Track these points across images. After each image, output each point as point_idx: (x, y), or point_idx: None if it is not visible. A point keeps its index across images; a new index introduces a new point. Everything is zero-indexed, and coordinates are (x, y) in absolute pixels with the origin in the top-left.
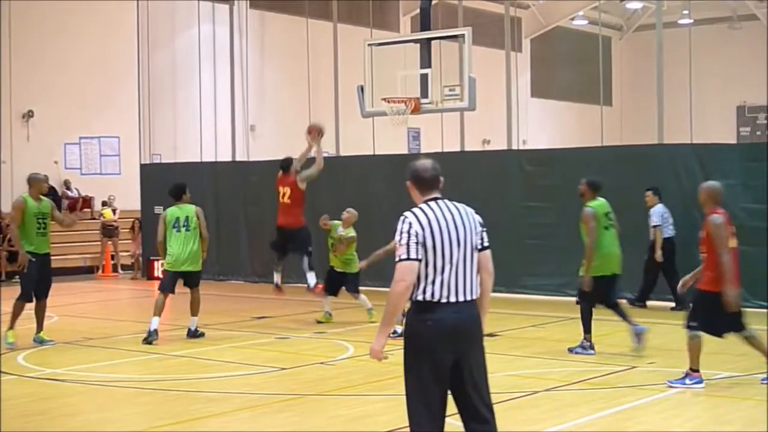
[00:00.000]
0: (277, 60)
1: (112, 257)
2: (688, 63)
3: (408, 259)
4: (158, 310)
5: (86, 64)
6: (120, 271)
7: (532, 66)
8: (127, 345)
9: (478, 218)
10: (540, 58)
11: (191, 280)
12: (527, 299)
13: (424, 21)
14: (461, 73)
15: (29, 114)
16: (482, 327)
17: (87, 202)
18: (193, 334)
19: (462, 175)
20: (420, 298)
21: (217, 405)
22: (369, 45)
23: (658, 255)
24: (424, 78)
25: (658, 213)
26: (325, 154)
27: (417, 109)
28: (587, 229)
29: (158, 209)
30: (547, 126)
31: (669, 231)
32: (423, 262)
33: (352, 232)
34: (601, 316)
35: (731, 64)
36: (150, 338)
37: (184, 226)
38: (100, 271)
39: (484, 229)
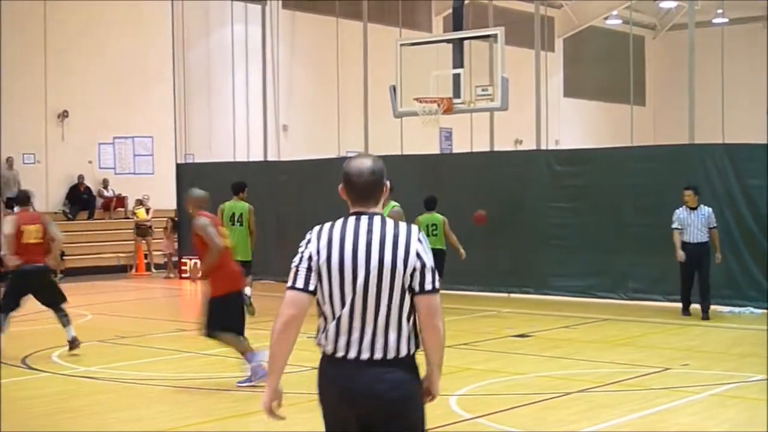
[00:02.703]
0: (307, 59)
1: (145, 256)
2: (721, 62)
3: (293, 287)
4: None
5: (120, 64)
6: (153, 270)
7: (565, 65)
8: (160, 343)
9: (420, 248)
10: (573, 58)
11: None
12: (555, 300)
13: (457, 21)
14: (493, 73)
15: (64, 114)
16: (417, 394)
17: (121, 201)
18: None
19: (491, 175)
20: (316, 343)
21: (249, 403)
22: (401, 45)
23: (680, 255)
24: (456, 78)
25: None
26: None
27: (449, 109)
28: None
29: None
30: (579, 126)
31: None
32: (320, 298)
33: None
34: (632, 317)
35: (765, 63)
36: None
37: (238, 221)
38: (134, 270)
39: (428, 265)
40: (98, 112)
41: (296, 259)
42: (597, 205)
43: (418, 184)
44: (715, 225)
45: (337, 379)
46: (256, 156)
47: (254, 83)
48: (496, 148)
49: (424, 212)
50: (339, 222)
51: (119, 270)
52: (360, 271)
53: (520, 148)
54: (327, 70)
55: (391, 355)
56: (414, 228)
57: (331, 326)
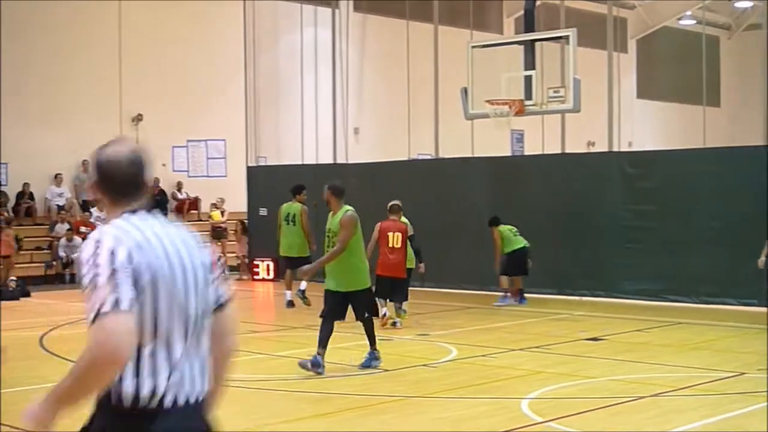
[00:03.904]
0: (378, 62)
1: (219, 258)
2: None
3: (116, 309)
4: (287, 284)
5: (193, 68)
6: (226, 272)
7: (638, 66)
8: None
9: (205, 252)
10: (646, 59)
11: (295, 263)
12: (627, 304)
13: (528, 22)
14: (565, 74)
15: (138, 117)
16: None
17: (194, 203)
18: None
19: (562, 177)
20: (118, 397)
21: (321, 405)
22: (472, 47)
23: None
24: (528, 80)
25: None
26: (425, 157)
27: (521, 111)
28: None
29: (263, 211)
30: (653, 127)
31: None
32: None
33: None
34: (706, 320)
35: None
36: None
37: (291, 221)
38: None
39: (219, 270)
40: (172, 115)
41: (100, 274)
42: (669, 208)
43: (489, 186)
44: None
45: None
46: (325, 158)
47: (325, 86)
48: (567, 150)
49: (495, 215)
50: (136, 222)
51: None
52: (192, 284)
53: (592, 150)
54: (398, 72)
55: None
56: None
57: (162, 359)
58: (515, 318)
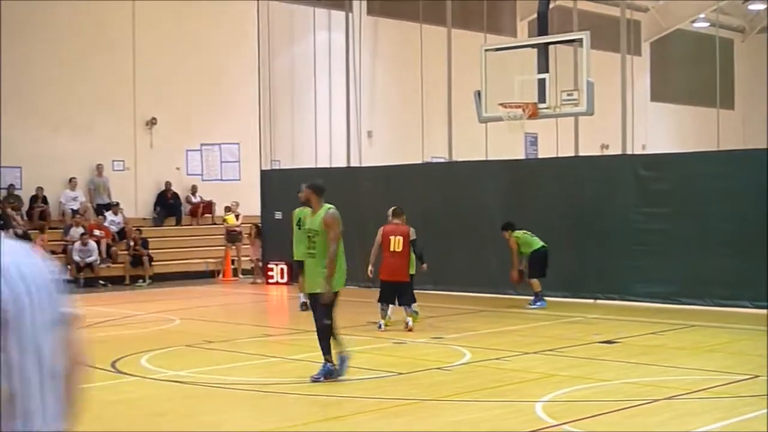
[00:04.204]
0: (391, 65)
1: (233, 262)
2: None
3: None
4: (300, 288)
5: (206, 72)
6: (240, 276)
7: (652, 69)
8: (247, 348)
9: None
10: (660, 61)
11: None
12: (640, 306)
13: (542, 25)
14: (579, 77)
15: (152, 121)
16: None
17: (208, 207)
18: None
19: (576, 180)
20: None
21: (334, 409)
22: (486, 50)
23: None
24: (541, 83)
25: None
26: (438, 159)
27: (534, 114)
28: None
29: (278, 215)
30: (667, 130)
31: None
32: None
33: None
34: (719, 323)
35: None
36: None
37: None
38: (221, 276)
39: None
40: (185, 119)
41: None
42: (683, 210)
43: (503, 189)
44: None
45: None
46: (340, 162)
47: (338, 89)
48: (581, 153)
49: (508, 220)
50: None
51: (207, 275)
52: (37, 304)
53: (605, 153)
54: (411, 75)
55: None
56: None
57: (16, 390)
58: (528, 321)
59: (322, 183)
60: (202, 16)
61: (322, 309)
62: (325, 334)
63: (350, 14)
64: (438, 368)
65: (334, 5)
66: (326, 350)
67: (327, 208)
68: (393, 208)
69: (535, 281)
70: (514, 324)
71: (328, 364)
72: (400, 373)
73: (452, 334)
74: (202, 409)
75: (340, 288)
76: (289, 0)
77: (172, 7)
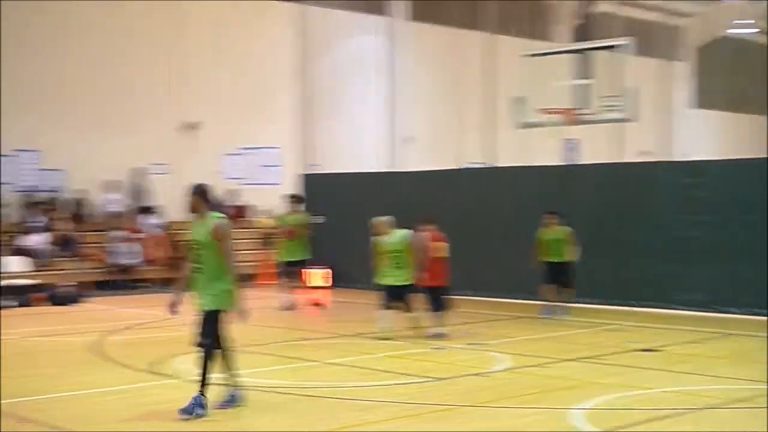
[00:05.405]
0: (431, 70)
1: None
2: None
3: None
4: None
5: (247, 76)
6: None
7: (696, 76)
8: (285, 351)
9: None
10: (704, 68)
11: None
12: (678, 314)
13: (583, 31)
14: (621, 84)
15: (194, 125)
16: None
17: (242, 211)
18: None
19: (616, 186)
20: None
21: (372, 413)
22: (526, 56)
23: None
24: (582, 89)
25: None
26: (478, 165)
27: (575, 121)
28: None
29: (320, 219)
30: (710, 137)
31: None
32: None
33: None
34: (758, 332)
35: None
36: None
37: None
38: (257, 279)
39: None
40: (226, 123)
41: None
42: (723, 218)
43: (540, 195)
44: None
45: None
46: (379, 167)
47: (377, 94)
48: (622, 160)
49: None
50: None
51: (244, 279)
52: None
53: (646, 159)
54: (451, 80)
55: None
56: None
57: None
58: (566, 328)
59: (209, 186)
60: (243, 21)
61: (208, 328)
62: (206, 359)
63: (390, 19)
64: (476, 374)
65: (373, 9)
66: (201, 380)
67: (216, 217)
68: (425, 214)
69: (555, 289)
70: (552, 331)
71: (200, 396)
72: (439, 379)
73: (489, 340)
74: (239, 413)
75: (229, 307)
76: (329, 5)
77: (215, 12)
